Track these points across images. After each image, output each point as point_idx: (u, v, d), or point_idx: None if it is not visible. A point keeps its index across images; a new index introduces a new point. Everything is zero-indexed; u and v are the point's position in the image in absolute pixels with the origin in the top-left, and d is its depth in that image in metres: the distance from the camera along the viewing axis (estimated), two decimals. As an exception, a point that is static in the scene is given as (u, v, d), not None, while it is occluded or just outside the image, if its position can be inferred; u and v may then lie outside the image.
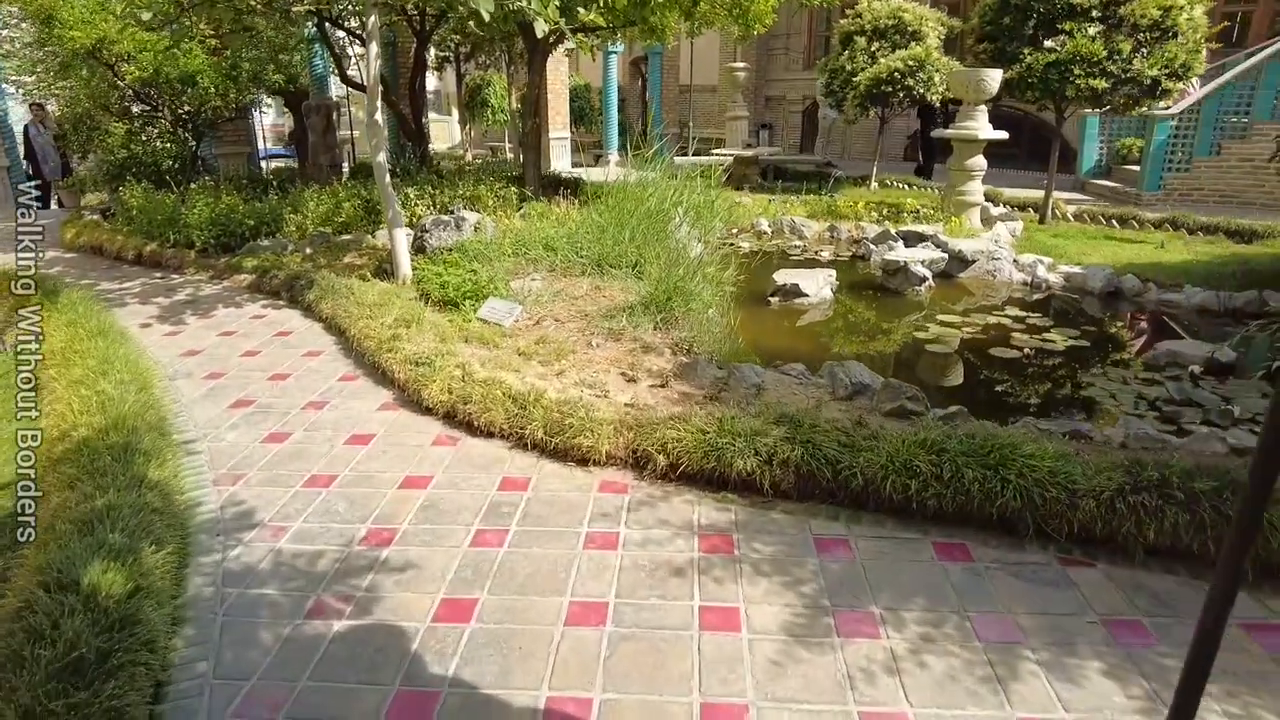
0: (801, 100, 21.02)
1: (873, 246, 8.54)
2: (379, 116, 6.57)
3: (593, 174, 15.75)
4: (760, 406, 4.04)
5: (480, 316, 5.68)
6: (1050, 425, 3.99)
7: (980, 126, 9.54)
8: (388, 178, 6.69)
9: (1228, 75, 12.12)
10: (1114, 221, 11.44)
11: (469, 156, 22.28)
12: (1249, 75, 12.13)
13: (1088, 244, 9.80)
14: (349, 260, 8.02)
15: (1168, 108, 11.29)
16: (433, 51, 21.33)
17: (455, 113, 26.62)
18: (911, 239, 8.97)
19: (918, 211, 10.06)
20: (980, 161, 9.77)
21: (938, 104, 14.04)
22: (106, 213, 10.91)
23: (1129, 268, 8.16)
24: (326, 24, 10.76)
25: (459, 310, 5.84)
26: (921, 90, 13.13)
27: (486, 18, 5.03)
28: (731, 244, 8.27)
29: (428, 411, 4.48)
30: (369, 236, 8.80)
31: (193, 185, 10.28)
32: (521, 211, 9.32)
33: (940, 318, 6.52)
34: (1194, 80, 10.65)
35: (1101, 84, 9.78)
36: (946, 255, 7.39)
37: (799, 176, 15.90)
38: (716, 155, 15.77)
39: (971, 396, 5.05)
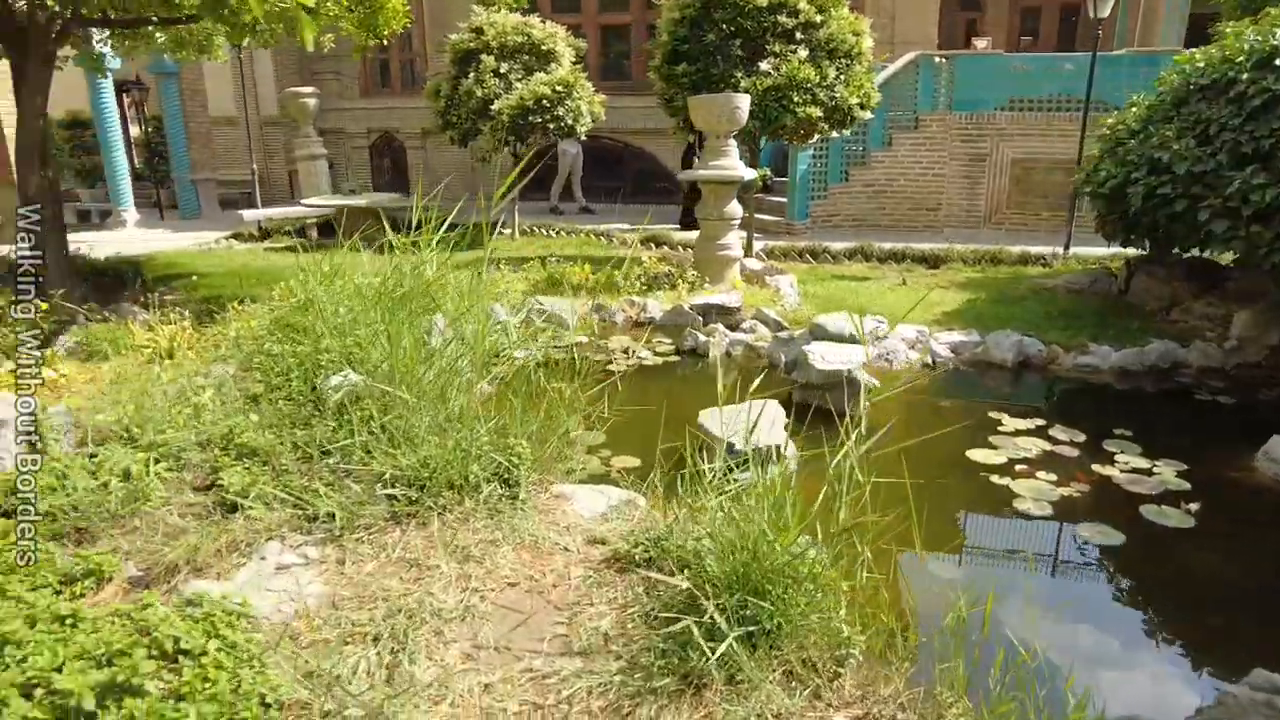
0: (366, 134, 17.51)
1: (702, 336, 6.12)
2: None
3: (104, 240, 10.84)
4: None
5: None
6: None
7: (736, 165, 7.79)
8: None
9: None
10: (808, 256, 10.83)
11: None
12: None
13: (842, 288, 8.75)
14: None
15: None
16: None
17: None
18: (713, 314, 6.81)
19: (669, 273, 7.92)
20: (737, 208, 8.06)
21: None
22: None
23: (947, 320, 7.14)
24: None
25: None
26: (571, 121, 11.08)
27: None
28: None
29: None
30: None
31: None
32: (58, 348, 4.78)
33: (974, 457, 4.34)
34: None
35: (815, 112, 8.80)
36: (857, 345, 5.31)
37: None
38: (310, 205, 11.73)
39: None
